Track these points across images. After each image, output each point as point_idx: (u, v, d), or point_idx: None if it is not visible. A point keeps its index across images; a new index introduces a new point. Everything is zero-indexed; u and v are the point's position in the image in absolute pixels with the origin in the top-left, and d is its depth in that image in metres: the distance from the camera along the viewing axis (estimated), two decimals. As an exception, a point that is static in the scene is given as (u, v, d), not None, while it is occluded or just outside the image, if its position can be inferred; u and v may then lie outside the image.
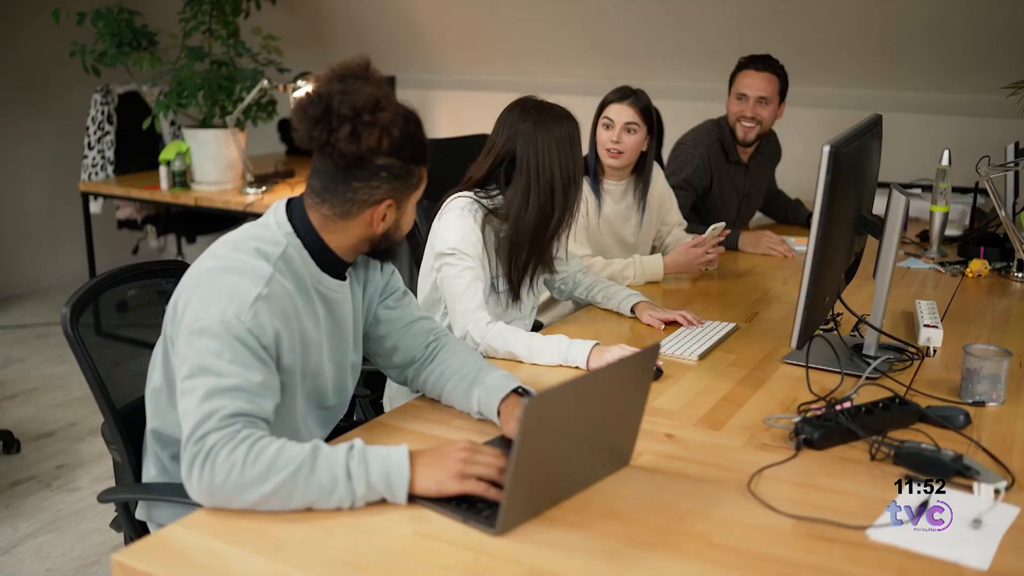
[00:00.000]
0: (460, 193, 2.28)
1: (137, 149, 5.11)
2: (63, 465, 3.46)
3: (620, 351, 2.01)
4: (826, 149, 1.74)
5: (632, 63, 4.64)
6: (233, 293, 1.49)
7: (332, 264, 1.65)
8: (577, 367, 2.03)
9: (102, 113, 4.98)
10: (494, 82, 4.98)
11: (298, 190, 5.20)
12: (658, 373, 1.99)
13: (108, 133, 5.01)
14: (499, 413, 1.70)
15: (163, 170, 4.45)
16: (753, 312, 2.49)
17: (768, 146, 3.52)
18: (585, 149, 2.56)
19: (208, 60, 4.49)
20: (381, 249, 1.68)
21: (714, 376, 2.01)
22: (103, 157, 5.01)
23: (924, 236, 3.35)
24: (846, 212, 1.93)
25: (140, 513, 1.79)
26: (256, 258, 1.54)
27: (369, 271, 1.81)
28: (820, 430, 1.63)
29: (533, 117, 2.22)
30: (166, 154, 4.44)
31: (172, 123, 5.27)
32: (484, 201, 2.26)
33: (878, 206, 2.22)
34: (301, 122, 1.52)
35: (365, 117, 1.49)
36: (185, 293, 1.54)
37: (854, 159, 1.90)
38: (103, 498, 1.74)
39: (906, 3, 3.87)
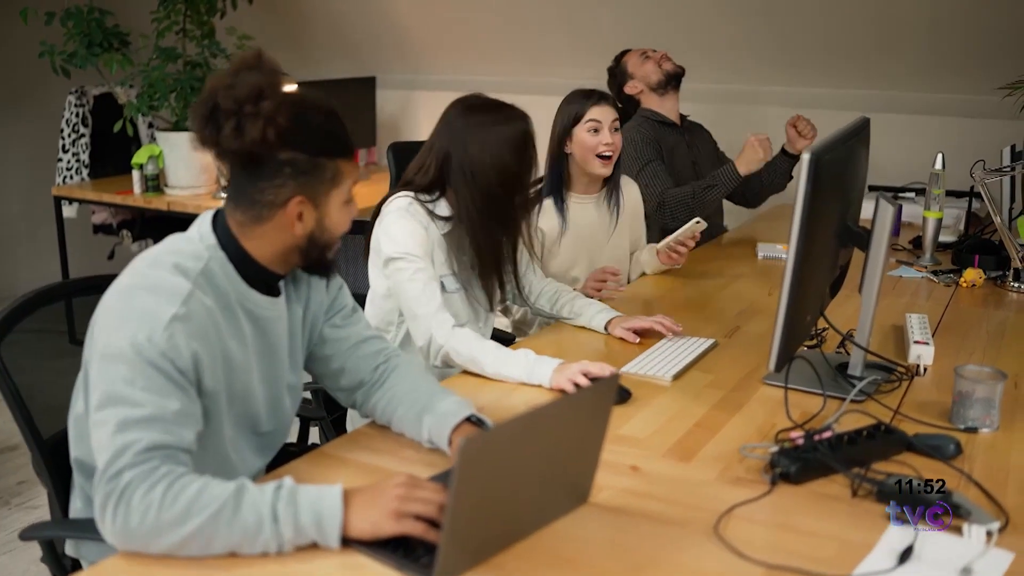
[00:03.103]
0: (399, 194, 2.16)
1: (113, 152, 4.97)
2: (24, 481, 3.33)
3: (580, 367, 1.90)
4: (806, 157, 1.61)
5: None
6: (146, 314, 1.36)
7: (260, 278, 1.53)
8: (540, 385, 1.92)
9: (76, 115, 4.84)
10: (478, 83, 4.81)
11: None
12: (626, 395, 1.85)
13: (83, 136, 4.87)
14: (451, 442, 1.57)
15: (136, 174, 4.32)
16: (735, 326, 2.36)
17: (698, 128, 3.54)
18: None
19: (182, 61, 4.36)
20: (313, 260, 1.54)
21: (688, 399, 1.88)
22: (78, 160, 4.87)
23: (917, 242, 3.22)
24: (829, 223, 1.80)
25: (70, 549, 1.68)
26: (174, 274, 1.42)
27: (312, 288, 1.68)
28: (797, 463, 1.50)
29: (474, 116, 2.10)
30: (138, 158, 4.32)
31: (150, 125, 5.14)
32: (426, 202, 2.14)
33: (869, 212, 2.09)
34: (193, 124, 1.42)
35: (247, 108, 1.38)
36: (100, 315, 1.42)
37: (838, 167, 1.77)
38: (24, 535, 1.61)
39: (899, 0, 3.74)
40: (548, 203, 2.66)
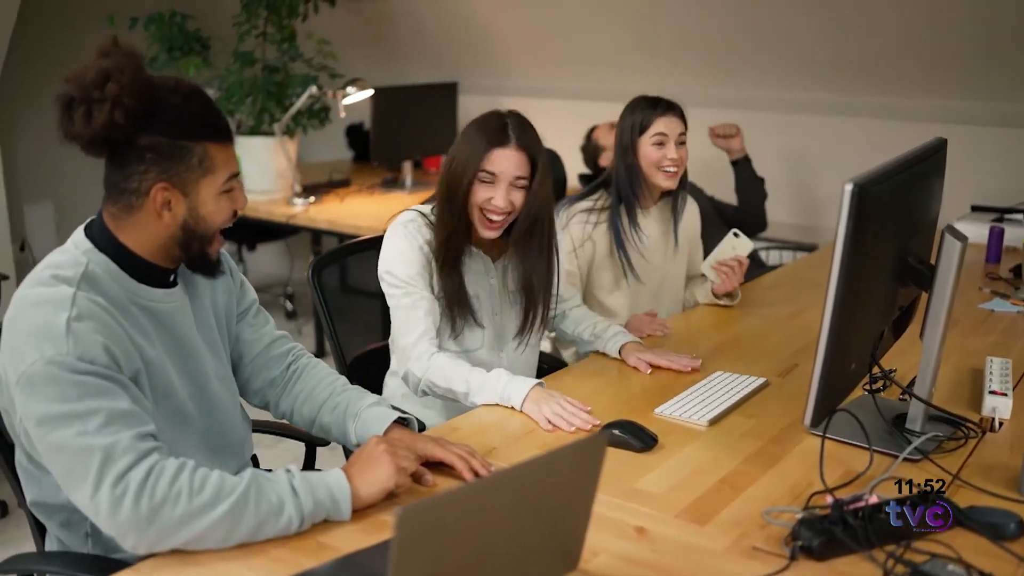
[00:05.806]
0: (410, 207, 2.07)
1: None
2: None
3: (556, 407, 1.79)
4: (848, 188, 1.43)
5: (699, 69, 4.31)
6: (41, 330, 1.31)
7: (147, 272, 1.46)
8: (512, 408, 1.84)
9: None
10: (562, 89, 4.71)
11: (349, 200, 4.83)
12: (651, 442, 1.69)
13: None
14: None
15: (212, 178, 4.34)
16: (792, 364, 2.15)
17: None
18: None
19: (261, 65, 4.36)
20: (195, 254, 1.47)
21: (721, 448, 1.70)
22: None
23: (1019, 271, 2.93)
24: (883, 260, 1.60)
25: None
26: (54, 284, 1.36)
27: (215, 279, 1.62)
28: (821, 536, 1.32)
29: None
30: (216, 161, 4.33)
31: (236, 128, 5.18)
32: (432, 217, 2.03)
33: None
34: (57, 118, 1.37)
35: (94, 94, 1.33)
36: (2, 353, 1.36)
37: (894, 197, 1.57)
38: (3, 568, 1.56)
39: (1003, 7, 3.43)
40: (606, 215, 2.51)
